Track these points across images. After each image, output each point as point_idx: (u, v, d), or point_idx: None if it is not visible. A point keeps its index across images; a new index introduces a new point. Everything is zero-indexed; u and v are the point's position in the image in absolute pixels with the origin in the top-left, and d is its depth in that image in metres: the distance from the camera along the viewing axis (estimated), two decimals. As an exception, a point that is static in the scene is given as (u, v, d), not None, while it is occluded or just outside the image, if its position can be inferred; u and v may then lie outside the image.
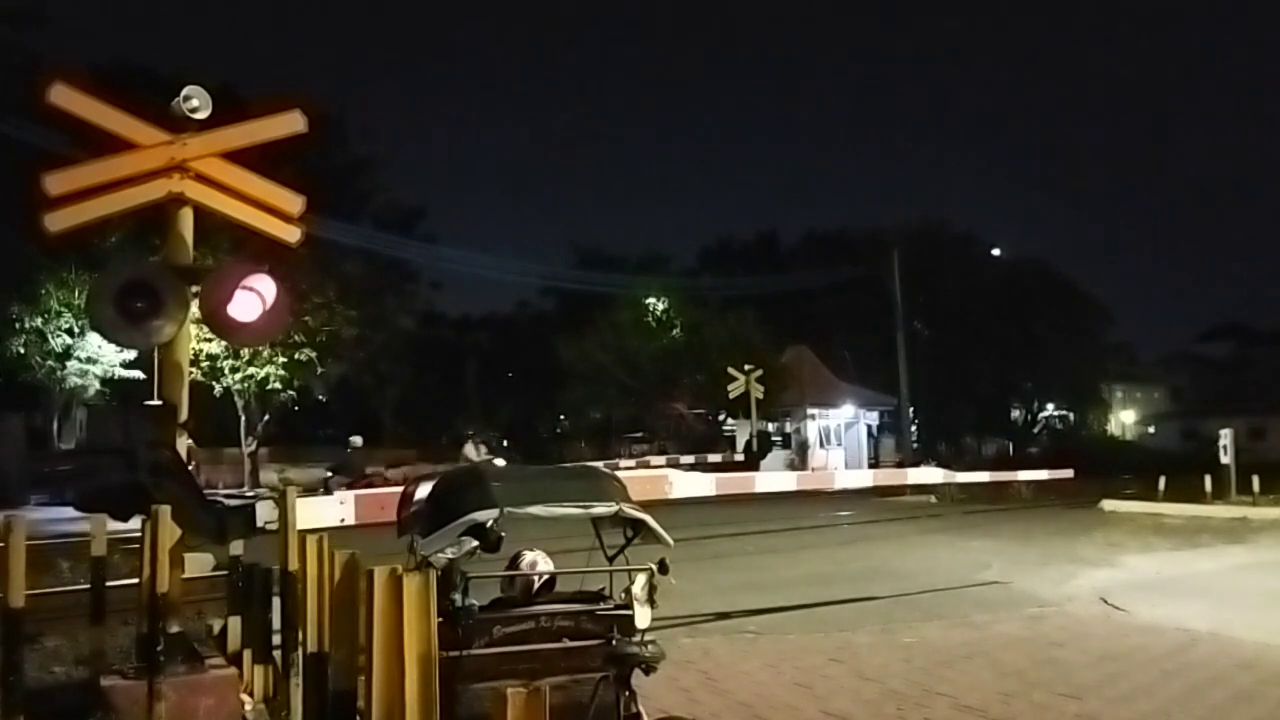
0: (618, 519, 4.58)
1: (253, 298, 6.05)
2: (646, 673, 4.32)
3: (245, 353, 27.53)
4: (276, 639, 5.68)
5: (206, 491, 10.07)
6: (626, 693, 4.30)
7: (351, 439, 28.40)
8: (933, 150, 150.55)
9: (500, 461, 18.45)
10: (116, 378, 27.22)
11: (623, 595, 4.48)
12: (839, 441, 41.80)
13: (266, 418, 32.25)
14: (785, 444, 39.64)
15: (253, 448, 32.00)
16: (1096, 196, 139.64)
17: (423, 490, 4.86)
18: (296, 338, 28.43)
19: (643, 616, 4.35)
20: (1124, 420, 62.47)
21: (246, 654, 6.11)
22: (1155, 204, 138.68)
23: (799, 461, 37.87)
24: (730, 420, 40.31)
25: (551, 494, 4.49)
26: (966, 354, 48.02)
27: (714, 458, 33.19)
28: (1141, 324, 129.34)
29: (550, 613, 4.36)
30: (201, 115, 6.17)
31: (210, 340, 23.86)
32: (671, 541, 4.60)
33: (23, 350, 26.76)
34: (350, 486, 17.76)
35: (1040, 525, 18.48)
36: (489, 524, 4.33)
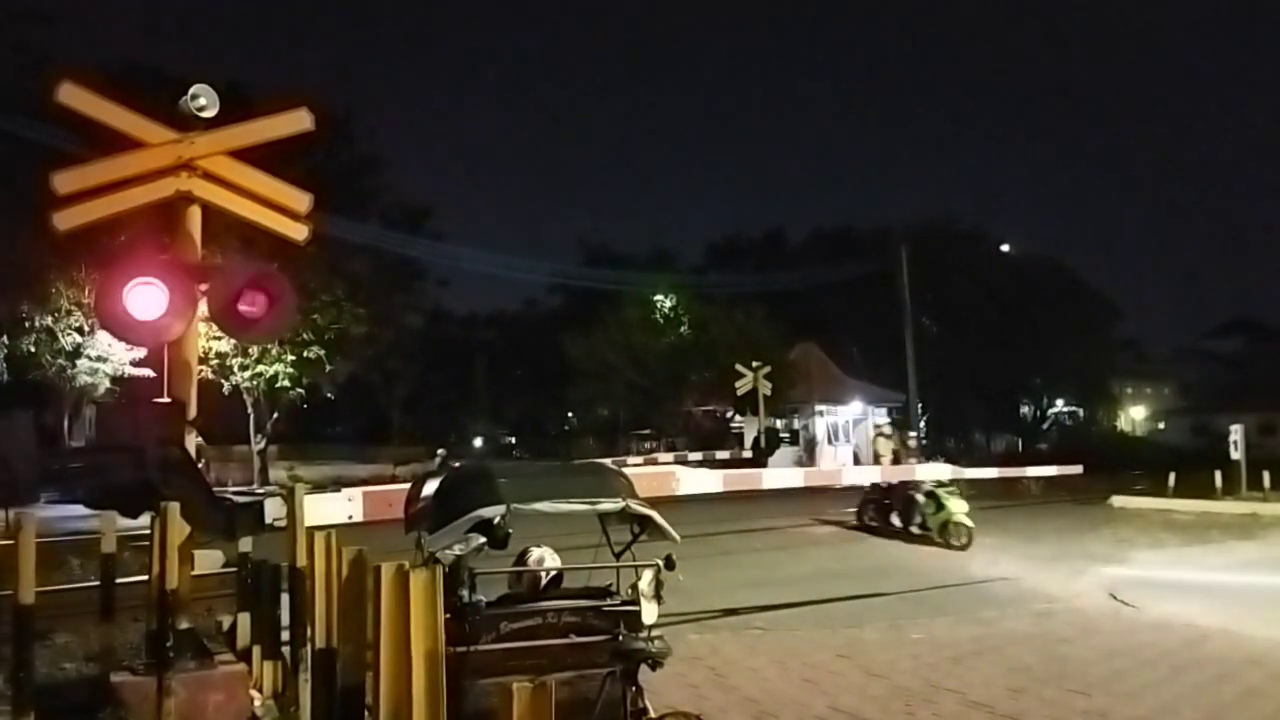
0: (624, 515, 4.59)
1: (260, 296, 6.07)
2: (653, 668, 4.34)
3: (254, 351, 27.65)
4: (285, 635, 5.70)
5: (216, 489, 10.12)
6: (633, 688, 4.31)
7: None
8: (941, 147, 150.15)
9: None
10: (126, 376, 27.35)
11: (629, 591, 4.49)
12: (848, 438, 41.72)
13: (275, 415, 32.37)
14: (793, 441, 39.59)
15: (262, 445, 32.13)
16: (1106, 192, 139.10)
17: (430, 487, 4.87)
18: (305, 336, 28.53)
19: (649, 612, 4.36)
20: (1134, 416, 62.22)
21: (255, 650, 6.13)
22: (1164, 199, 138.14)
23: (807, 458, 37.82)
24: (738, 417, 40.29)
25: (558, 490, 4.50)
26: (975, 350, 47.88)
27: (722, 454, 33.17)
28: (1151, 320, 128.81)
29: (557, 609, 4.37)
30: (209, 114, 6.20)
31: (219, 338, 23.96)
32: (678, 538, 4.61)
33: (33, 349, 26.89)
34: None
35: (1049, 521, 18.43)
36: (496, 520, 4.35)
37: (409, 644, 3.48)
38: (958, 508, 14.17)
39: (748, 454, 34.20)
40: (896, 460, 16.07)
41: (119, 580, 7.21)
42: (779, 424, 39.68)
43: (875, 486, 15.70)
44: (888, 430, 17.21)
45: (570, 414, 57.41)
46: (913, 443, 17.22)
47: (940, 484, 14.45)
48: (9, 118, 22.68)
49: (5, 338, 27.41)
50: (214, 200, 6.27)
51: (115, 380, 27.59)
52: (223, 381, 28.23)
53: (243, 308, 6.01)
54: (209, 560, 9.09)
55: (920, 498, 14.61)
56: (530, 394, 59.80)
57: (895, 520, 15.11)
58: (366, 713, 4.06)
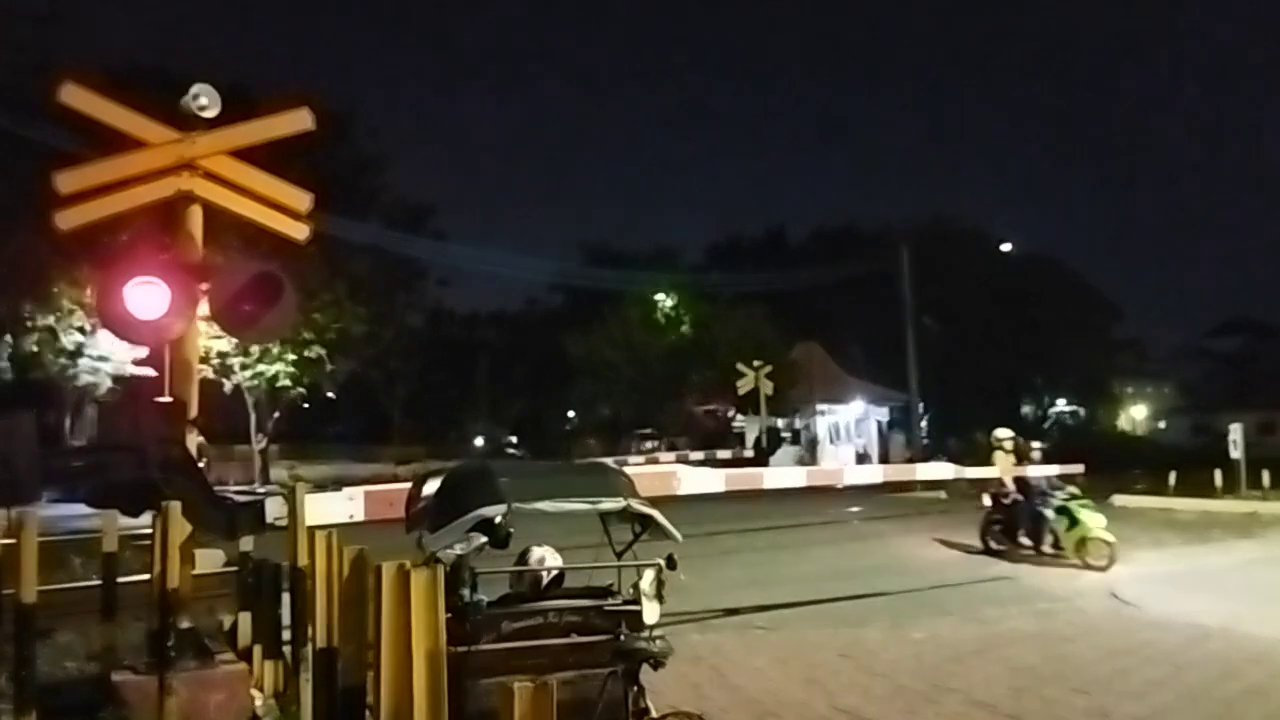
0: (626, 514, 4.59)
1: (262, 295, 6.07)
2: (655, 668, 4.33)
3: (255, 350, 27.69)
4: (286, 634, 5.71)
5: (217, 488, 10.11)
6: (635, 688, 4.30)
7: None
8: (942, 146, 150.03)
9: None
10: (128, 375, 27.38)
11: (631, 591, 4.48)
12: (849, 437, 41.76)
13: (276, 415, 32.41)
14: (795, 440, 39.63)
15: (263, 444, 32.17)
16: (1107, 191, 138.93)
17: (431, 486, 4.87)
18: (306, 335, 28.58)
19: (651, 612, 4.36)
20: (1134, 415, 62.27)
21: (257, 649, 6.14)
22: (1165, 198, 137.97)
23: (809, 458, 37.85)
24: (740, 417, 40.32)
25: (559, 489, 4.50)
26: (976, 350, 47.90)
27: (723, 454, 33.19)
28: (1152, 319, 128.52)
29: (559, 608, 4.37)
30: (210, 113, 6.19)
31: (220, 338, 23.98)
32: (680, 537, 4.60)
33: (35, 348, 26.97)
34: None
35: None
36: (497, 519, 4.35)
37: (410, 643, 3.48)
38: (1094, 521, 12.49)
39: (749, 453, 34.24)
40: (1020, 480, 13.55)
41: (120, 579, 7.21)
42: (780, 423, 39.72)
43: (997, 504, 13.71)
44: (1009, 444, 14.14)
45: (571, 413, 57.48)
46: (1037, 454, 13.97)
47: (1072, 495, 12.91)
48: (11, 117, 22.70)
49: (8, 337, 27.47)
50: (215, 200, 6.27)
51: (117, 379, 27.64)
52: (224, 381, 28.28)
53: (244, 307, 6.02)
54: (210, 559, 9.08)
55: (1049, 514, 12.94)
56: (531, 393, 59.87)
57: (1024, 540, 13.23)
58: (368, 712, 4.06)
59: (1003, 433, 14.38)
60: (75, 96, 5.94)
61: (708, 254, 60.76)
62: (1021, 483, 13.38)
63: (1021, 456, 13.95)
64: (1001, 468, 13.75)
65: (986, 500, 13.95)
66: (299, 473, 28.70)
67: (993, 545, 13.67)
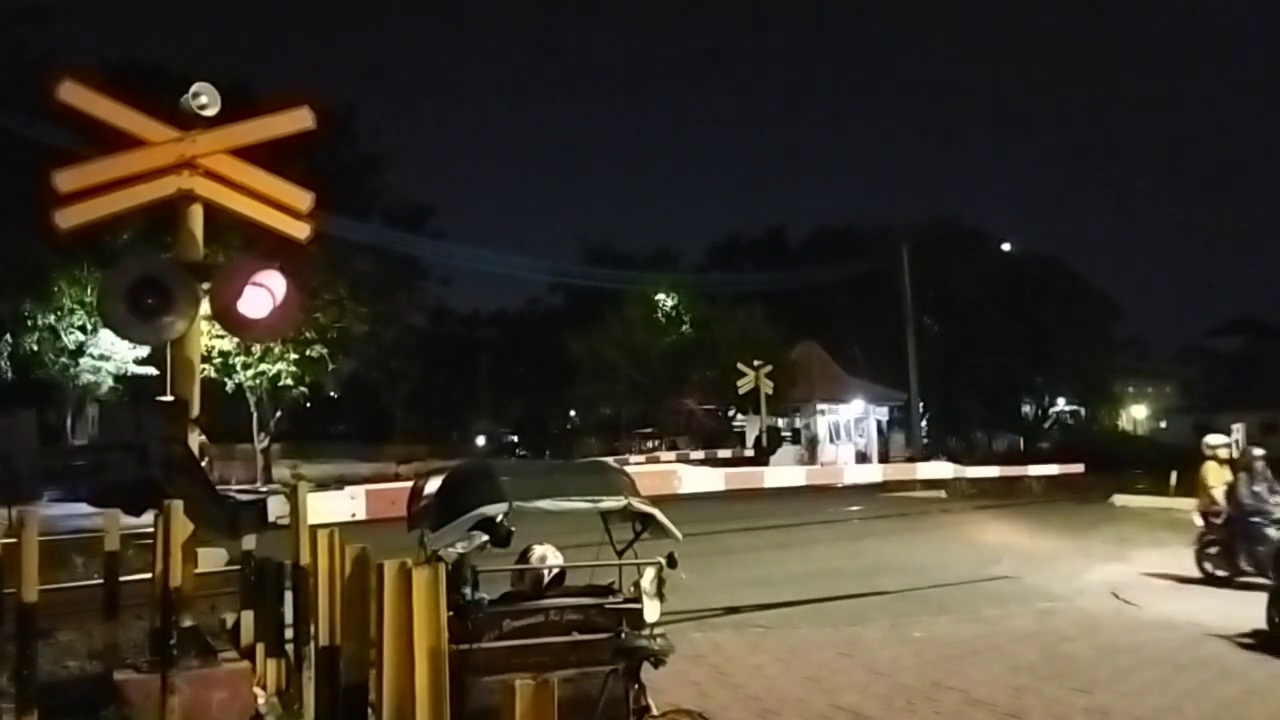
0: (627, 513, 4.60)
1: (263, 294, 6.08)
2: (655, 666, 4.34)
3: (257, 349, 27.70)
4: (289, 633, 5.71)
5: (219, 487, 10.14)
6: (636, 686, 4.31)
7: None
8: (943, 145, 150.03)
9: None
10: (129, 374, 27.40)
11: (632, 589, 4.49)
12: (849, 437, 41.77)
13: (278, 414, 32.41)
14: (795, 439, 39.64)
15: (265, 444, 32.17)
16: (1107, 190, 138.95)
17: (432, 485, 4.88)
18: (307, 334, 28.57)
19: (652, 610, 4.37)
20: (1135, 415, 62.25)
21: (259, 648, 6.14)
22: (1166, 197, 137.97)
23: (809, 457, 37.86)
24: (740, 416, 40.32)
25: (560, 488, 4.51)
26: (976, 349, 47.90)
27: (724, 453, 33.22)
28: (1153, 318, 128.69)
29: (560, 606, 4.37)
30: (211, 112, 6.18)
31: (222, 337, 24.00)
32: (680, 536, 4.61)
33: (36, 347, 26.97)
34: None
35: (1051, 520, 18.44)
36: (498, 518, 4.35)
37: (412, 642, 3.49)
38: None
39: (749, 453, 34.26)
40: (1232, 495, 11.17)
41: (122, 578, 7.22)
42: (781, 423, 39.72)
43: (1209, 524, 11.51)
44: (1223, 451, 11.89)
45: (572, 412, 57.48)
46: (1260, 464, 11.11)
47: None
48: (10, 116, 22.69)
49: (8, 336, 27.48)
50: (216, 199, 6.26)
51: (118, 379, 27.66)
52: (226, 380, 28.27)
53: (245, 306, 6.01)
54: (212, 558, 9.10)
55: (1273, 532, 10.52)
56: (533, 393, 59.83)
57: (1244, 565, 10.83)
58: (370, 710, 4.07)
59: (1216, 439, 12.15)
60: (75, 94, 5.94)
61: (709, 253, 60.77)
62: (1233, 497, 11.20)
63: (1247, 467, 11.33)
64: (1213, 479, 11.70)
65: (1198, 520, 11.83)
66: (301, 471, 28.62)
67: (1210, 570, 11.45)
